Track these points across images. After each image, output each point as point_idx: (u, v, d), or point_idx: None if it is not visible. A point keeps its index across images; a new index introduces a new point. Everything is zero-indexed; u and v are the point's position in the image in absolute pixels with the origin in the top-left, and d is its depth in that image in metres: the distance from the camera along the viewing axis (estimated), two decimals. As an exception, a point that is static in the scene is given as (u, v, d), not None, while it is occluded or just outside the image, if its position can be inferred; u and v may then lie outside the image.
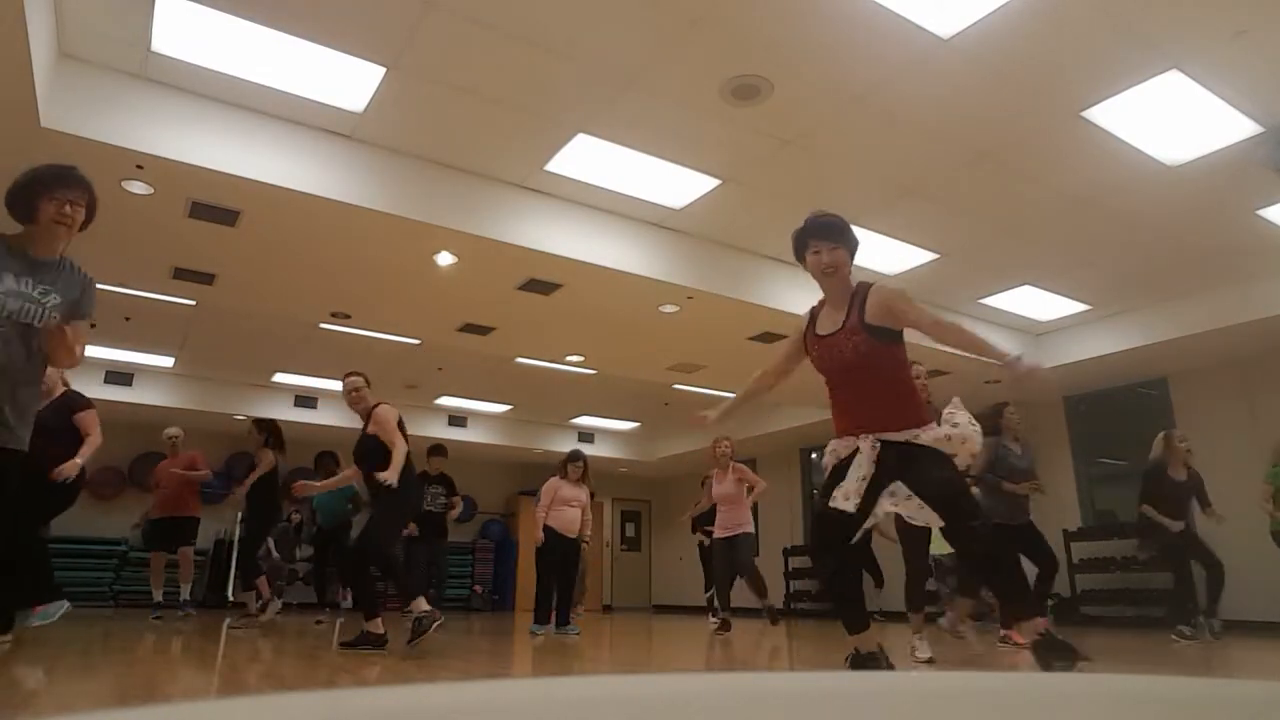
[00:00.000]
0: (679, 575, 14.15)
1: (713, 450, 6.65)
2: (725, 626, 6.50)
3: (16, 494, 2.62)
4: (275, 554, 9.19)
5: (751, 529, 6.54)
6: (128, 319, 7.36)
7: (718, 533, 6.60)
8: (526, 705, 0.45)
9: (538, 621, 6.31)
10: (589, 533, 6.48)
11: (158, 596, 6.91)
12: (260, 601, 6.43)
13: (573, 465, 6.42)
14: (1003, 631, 4.98)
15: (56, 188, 2.62)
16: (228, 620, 6.61)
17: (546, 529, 6.20)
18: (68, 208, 2.63)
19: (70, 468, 3.97)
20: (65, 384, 4.42)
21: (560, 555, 6.22)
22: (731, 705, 0.45)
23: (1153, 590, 7.47)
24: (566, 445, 12.16)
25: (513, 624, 8.13)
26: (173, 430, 7.09)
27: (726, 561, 6.54)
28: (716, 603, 6.91)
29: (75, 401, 4.35)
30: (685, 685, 0.48)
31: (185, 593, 6.92)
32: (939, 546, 5.21)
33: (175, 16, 3.85)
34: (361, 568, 4.27)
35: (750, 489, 6.57)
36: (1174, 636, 5.54)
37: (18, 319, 2.54)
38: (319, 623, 6.95)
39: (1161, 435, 6.00)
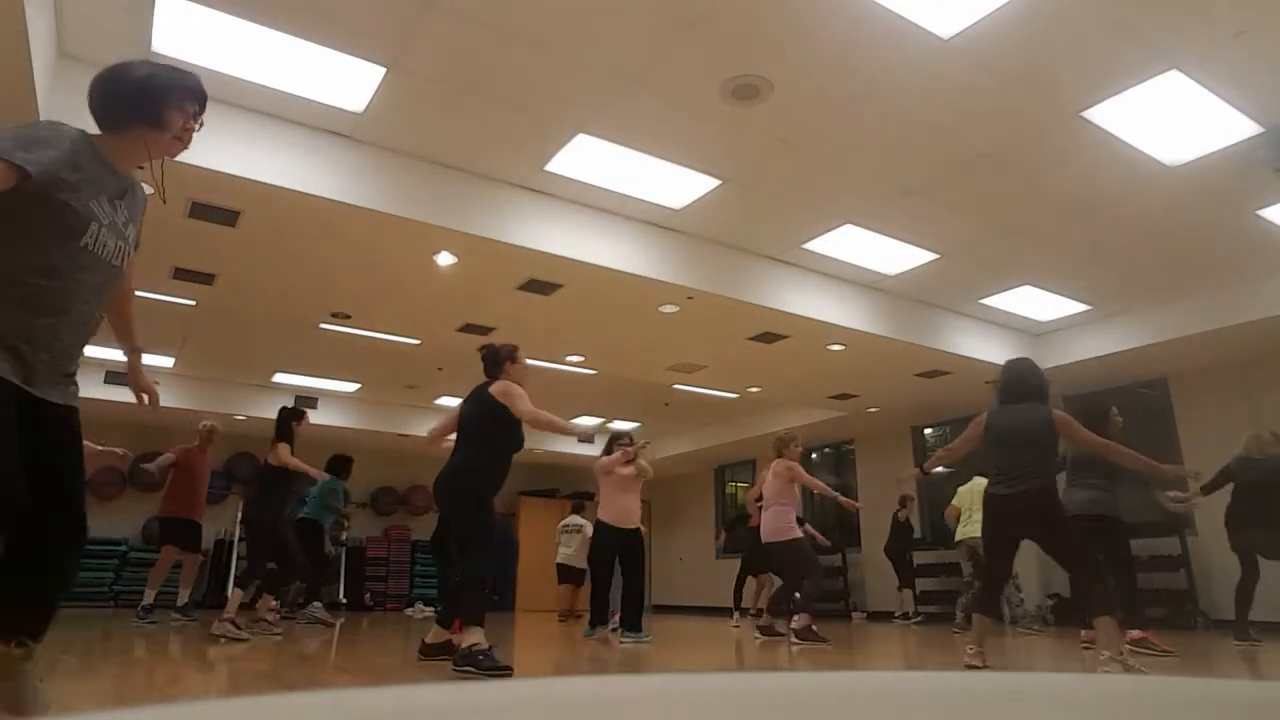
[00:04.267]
0: (679, 575, 14.15)
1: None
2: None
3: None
4: (333, 548, 8.87)
5: None
6: (128, 319, 7.36)
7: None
8: (527, 705, 0.45)
9: (593, 624, 5.78)
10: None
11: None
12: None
13: (621, 446, 5.86)
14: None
15: (190, 98, 2.02)
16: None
17: (598, 524, 5.79)
18: (195, 125, 2.05)
19: None
20: None
21: (617, 550, 5.74)
22: (731, 705, 0.45)
23: (1155, 590, 7.46)
24: (568, 446, 12.18)
25: (513, 624, 8.12)
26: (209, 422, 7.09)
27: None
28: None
29: None
30: (685, 685, 0.48)
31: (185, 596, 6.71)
32: None
33: (175, 16, 3.85)
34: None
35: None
36: None
37: (112, 261, 1.91)
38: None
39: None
